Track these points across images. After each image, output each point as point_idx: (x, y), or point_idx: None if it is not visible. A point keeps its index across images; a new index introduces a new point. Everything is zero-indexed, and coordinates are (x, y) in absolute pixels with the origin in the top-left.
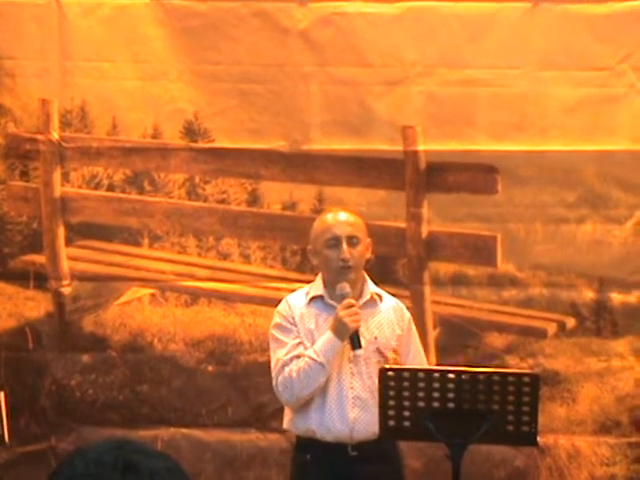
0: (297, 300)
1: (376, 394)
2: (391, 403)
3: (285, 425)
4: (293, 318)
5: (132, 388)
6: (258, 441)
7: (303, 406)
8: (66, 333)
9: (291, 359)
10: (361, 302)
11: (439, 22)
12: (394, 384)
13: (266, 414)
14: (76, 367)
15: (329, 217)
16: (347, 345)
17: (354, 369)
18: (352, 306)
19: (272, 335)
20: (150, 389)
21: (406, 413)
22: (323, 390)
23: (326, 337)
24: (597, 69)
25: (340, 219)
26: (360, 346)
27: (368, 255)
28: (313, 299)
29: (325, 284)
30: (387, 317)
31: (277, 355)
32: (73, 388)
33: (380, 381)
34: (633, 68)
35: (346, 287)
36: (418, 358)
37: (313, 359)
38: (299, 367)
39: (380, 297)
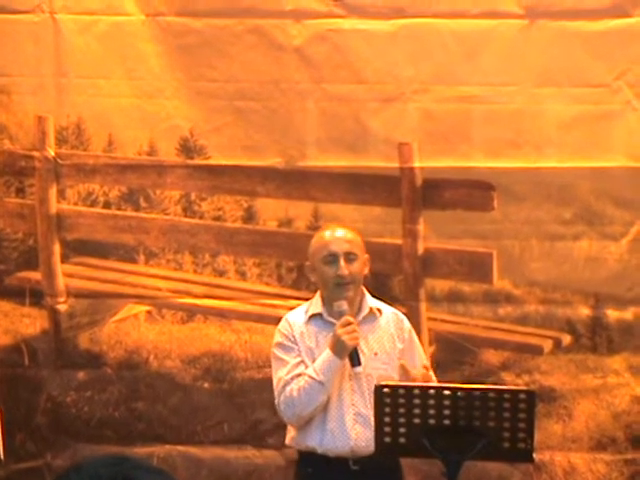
0: (297, 318)
1: None
2: (387, 420)
3: (287, 442)
4: (294, 336)
5: (128, 405)
6: (254, 458)
7: (305, 424)
8: (62, 350)
9: (292, 378)
10: (360, 317)
11: (435, 39)
12: (390, 401)
13: (262, 431)
14: (72, 384)
15: (327, 234)
16: (348, 361)
17: (355, 386)
18: (350, 323)
19: (273, 354)
20: (146, 406)
21: (402, 430)
22: (324, 407)
23: (325, 356)
24: (593, 86)
25: (337, 236)
26: (359, 363)
27: (366, 271)
28: (312, 317)
29: (324, 301)
30: (387, 331)
31: (279, 374)
32: (69, 405)
33: (376, 398)
34: (629, 85)
35: (343, 305)
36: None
37: (313, 378)
38: (299, 386)
39: (380, 311)
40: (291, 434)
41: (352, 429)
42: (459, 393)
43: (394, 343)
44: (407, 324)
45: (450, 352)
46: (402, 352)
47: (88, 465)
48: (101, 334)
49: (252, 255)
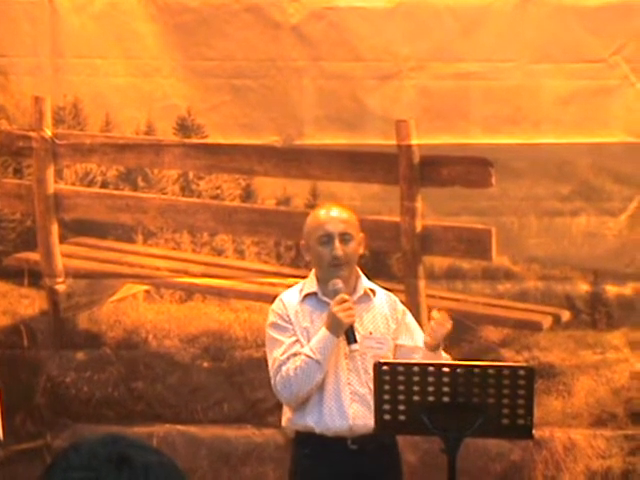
0: (291, 297)
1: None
2: (386, 397)
3: (284, 424)
4: (288, 316)
5: (127, 385)
6: (254, 437)
7: (301, 403)
8: (61, 330)
9: (288, 358)
10: (355, 297)
11: (432, 16)
12: (389, 378)
13: (262, 410)
14: (71, 364)
15: (322, 213)
16: (343, 341)
17: (350, 364)
18: (345, 301)
19: (268, 334)
20: (145, 386)
21: (401, 407)
22: (321, 387)
23: (321, 334)
24: (590, 61)
25: (333, 215)
26: (355, 341)
27: (361, 251)
28: (307, 296)
29: (318, 281)
30: (381, 312)
31: (274, 354)
32: (68, 385)
33: (375, 375)
34: (626, 60)
35: (338, 283)
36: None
37: (309, 357)
38: (296, 365)
39: (373, 292)
40: (287, 415)
41: (349, 407)
42: (458, 370)
43: (388, 323)
44: (400, 306)
45: None
46: (396, 332)
47: (85, 444)
48: (100, 314)
49: (250, 234)
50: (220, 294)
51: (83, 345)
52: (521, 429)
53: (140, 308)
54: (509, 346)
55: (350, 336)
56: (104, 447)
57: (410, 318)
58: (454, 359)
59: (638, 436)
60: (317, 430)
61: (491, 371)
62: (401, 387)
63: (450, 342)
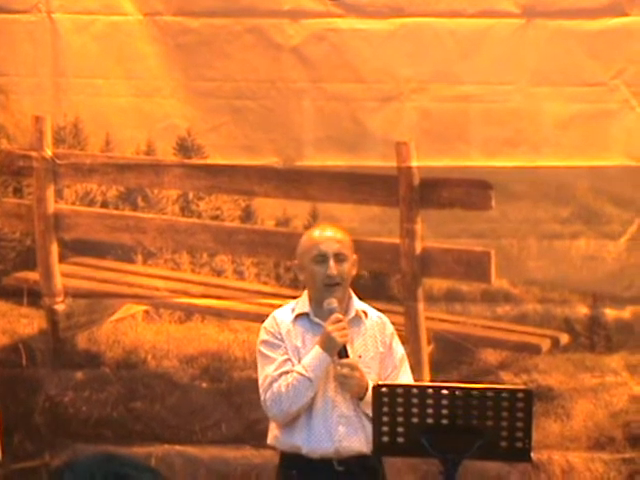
0: (284, 316)
1: (360, 411)
2: (385, 419)
3: (269, 441)
4: (280, 334)
5: (126, 405)
6: (252, 457)
7: (289, 423)
8: (60, 350)
9: (280, 375)
10: (347, 319)
11: (432, 38)
12: (388, 400)
13: (260, 430)
14: (70, 384)
15: (316, 233)
16: (332, 363)
17: (338, 387)
18: (340, 320)
19: (259, 351)
20: (144, 406)
21: (400, 429)
22: (309, 407)
23: (314, 352)
24: (590, 85)
25: (328, 235)
26: (348, 357)
27: (354, 272)
28: (299, 316)
29: (311, 301)
30: (372, 335)
31: (265, 371)
32: (67, 405)
33: (374, 397)
34: (626, 84)
35: (333, 302)
36: (395, 373)
37: (302, 374)
38: (288, 382)
39: (365, 314)
40: (274, 433)
41: (336, 430)
42: (457, 392)
43: (377, 347)
44: (390, 328)
45: (448, 351)
46: (383, 355)
47: (81, 464)
48: (99, 334)
49: (250, 254)
50: (219, 315)
51: (82, 365)
52: (519, 452)
53: (139, 328)
54: (508, 369)
55: (343, 355)
56: (100, 466)
57: (396, 342)
58: (453, 381)
59: (636, 459)
60: (304, 451)
61: (490, 394)
62: (400, 409)
63: (449, 364)
